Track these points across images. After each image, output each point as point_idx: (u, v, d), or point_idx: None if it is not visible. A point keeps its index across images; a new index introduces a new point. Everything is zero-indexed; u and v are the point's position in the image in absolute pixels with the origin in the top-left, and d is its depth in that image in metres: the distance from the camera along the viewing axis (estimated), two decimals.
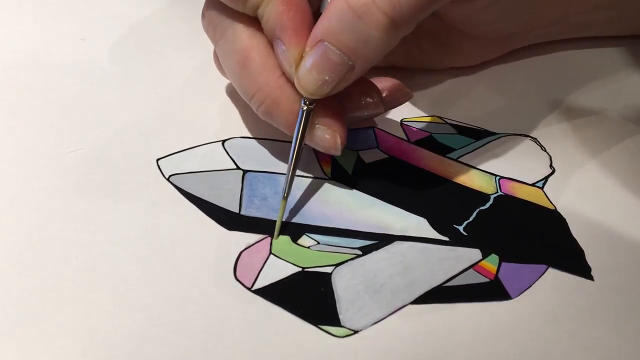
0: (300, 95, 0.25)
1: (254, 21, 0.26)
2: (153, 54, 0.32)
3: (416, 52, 0.32)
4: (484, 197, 0.27)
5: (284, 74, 0.25)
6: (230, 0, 0.25)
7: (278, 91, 0.25)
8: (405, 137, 0.29)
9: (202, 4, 0.27)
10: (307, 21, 0.25)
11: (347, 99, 0.27)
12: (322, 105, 0.25)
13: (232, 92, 0.30)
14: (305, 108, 0.25)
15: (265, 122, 0.26)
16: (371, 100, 0.27)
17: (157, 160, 0.27)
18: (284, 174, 0.26)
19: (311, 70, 0.24)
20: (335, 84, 0.24)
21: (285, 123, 0.26)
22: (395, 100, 0.30)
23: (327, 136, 0.26)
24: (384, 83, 0.29)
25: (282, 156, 0.27)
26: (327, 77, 0.24)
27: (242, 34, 0.26)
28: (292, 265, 0.23)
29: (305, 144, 0.26)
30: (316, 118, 0.25)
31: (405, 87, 0.30)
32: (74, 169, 0.26)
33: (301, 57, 0.24)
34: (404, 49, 0.32)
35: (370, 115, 0.29)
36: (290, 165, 0.25)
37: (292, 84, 0.25)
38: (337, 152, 0.26)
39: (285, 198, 0.25)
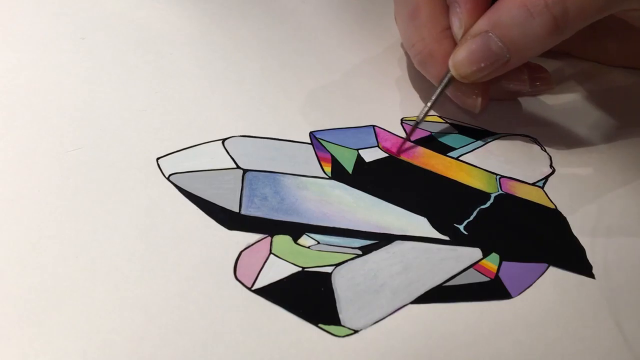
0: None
1: None
2: (153, 54, 0.32)
3: (594, 45, 0.34)
4: (485, 196, 0.27)
5: (445, 30, 0.29)
6: None
7: (436, 44, 0.29)
8: (405, 136, 0.29)
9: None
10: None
11: None
12: None
13: (232, 91, 0.30)
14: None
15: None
16: (517, 74, 0.30)
17: (157, 159, 0.26)
18: (284, 174, 0.26)
19: (469, 56, 0.27)
20: (487, 72, 0.27)
21: (435, 75, 0.29)
22: (535, 84, 0.31)
23: (470, 96, 0.29)
24: (531, 65, 0.31)
25: (282, 155, 0.27)
26: (482, 65, 0.27)
27: None
28: (292, 265, 0.23)
29: None
30: None
31: (550, 77, 0.31)
32: (74, 169, 0.26)
33: (470, 26, 0.27)
34: (582, 40, 0.33)
35: (515, 89, 0.31)
36: (427, 107, 0.29)
37: (451, 41, 0.29)
38: (476, 111, 0.29)
39: (418, 124, 0.29)
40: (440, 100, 0.29)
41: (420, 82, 0.32)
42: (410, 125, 0.30)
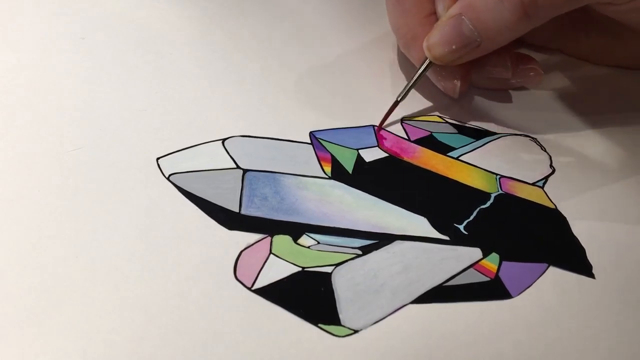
0: None
1: None
2: (153, 54, 0.32)
3: (585, 42, 0.34)
4: (485, 195, 0.27)
5: (429, 15, 0.30)
6: None
7: (420, 29, 0.29)
8: (405, 136, 0.29)
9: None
10: None
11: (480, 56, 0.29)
12: None
13: (232, 91, 0.30)
14: None
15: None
16: (500, 60, 0.30)
17: (157, 159, 0.26)
18: (284, 174, 0.26)
19: (442, 38, 0.28)
20: (460, 55, 0.28)
21: (418, 59, 0.30)
22: (524, 74, 0.31)
23: (450, 80, 0.30)
24: (519, 54, 0.31)
25: (282, 155, 0.27)
26: (454, 47, 0.28)
27: None
28: (292, 265, 0.23)
29: None
30: None
31: (539, 67, 0.31)
32: (74, 169, 0.26)
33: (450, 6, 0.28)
34: (573, 36, 0.34)
35: (499, 75, 0.31)
36: (407, 87, 0.29)
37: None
38: (455, 96, 0.30)
39: (398, 102, 0.29)
40: (438, 101, 0.29)
41: (420, 82, 0.32)
42: (410, 125, 0.30)
